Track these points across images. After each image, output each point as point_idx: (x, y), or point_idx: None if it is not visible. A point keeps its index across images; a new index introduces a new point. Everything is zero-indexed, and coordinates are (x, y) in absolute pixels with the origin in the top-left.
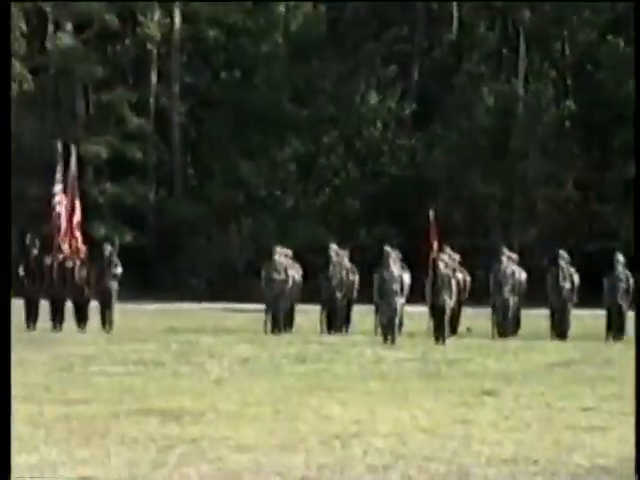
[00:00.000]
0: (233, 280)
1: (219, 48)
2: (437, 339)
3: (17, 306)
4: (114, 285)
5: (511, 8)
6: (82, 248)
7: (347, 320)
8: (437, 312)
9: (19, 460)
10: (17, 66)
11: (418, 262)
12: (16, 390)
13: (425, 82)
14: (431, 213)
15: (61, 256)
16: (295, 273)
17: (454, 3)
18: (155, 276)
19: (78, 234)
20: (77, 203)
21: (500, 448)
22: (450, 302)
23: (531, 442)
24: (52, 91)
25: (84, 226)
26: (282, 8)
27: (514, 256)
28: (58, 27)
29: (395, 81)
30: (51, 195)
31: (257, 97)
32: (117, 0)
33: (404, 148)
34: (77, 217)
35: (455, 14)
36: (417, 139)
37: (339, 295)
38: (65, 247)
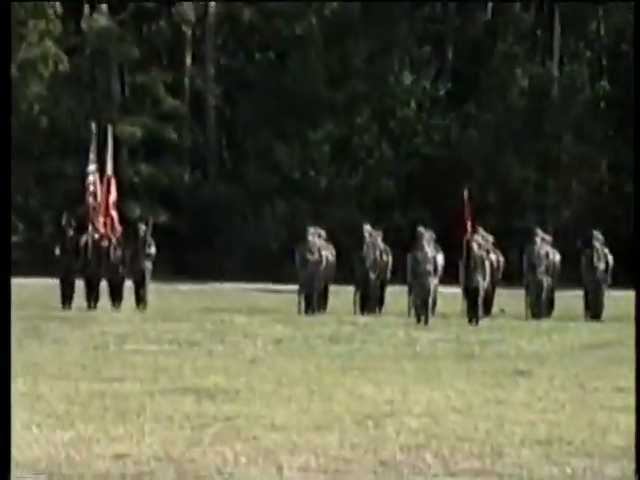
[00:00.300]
0: (267, 261)
1: (254, 30)
2: (470, 320)
3: (53, 285)
4: (148, 265)
5: None
6: (117, 228)
7: (380, 301)
8: (470, 293)
9: (55, 437)
10: (52, 47)
11: (452, 243)
12: (52, 368)
13: (459, 62)
14: (465, 194)
15: (96, 235)
16: (329, 254)
17: None
18: (189, 257)
19: (114, 214)
20: (113, 183)
21: (534, 429)
22: (483, 283)
23: (565, 423)
24: (88, 72)
25: (119, 206)
26: None
27: (548, 237)
28: (93, 8)
29: (429, 61)
30: (86, 175)
31: (291, 79)
32: None
33: (438, 128)
34: (113, 197)
35: None
36: (451, 119)
37: (373, 276)
38: (100, 226)
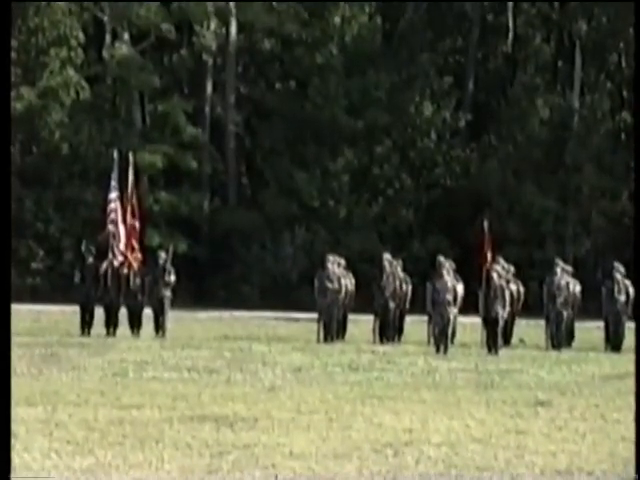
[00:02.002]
0: (286, 289)
1: (274, 59)
2: (490, 350)
3: (72, 312)
4: (167, 293)
5: (567, 20)
6: (138, 256)
7: (400, 330)
8: (490, 323)
9: (73, 463)
10: (74, 75)
11: (472, 273)
12: (71, 395)
13: (480, 93)
14: (485, 224)
15: (116, 263)
16: (348, 282)
17: (509, 15)
18: (209, 285)
19: (135, 242)
20: (136, 211)
21: (554, 459)
22: (503, 313)
23: (586, 453)
24: (109, 100)
25: (140, 234)
26: (338, 19)
27: (568, 268)
28: (115, 37)
29: (450, 92)
30: (106, 202)
31: (311, 108)
32: None
33: (458, 159)
34: (136, 225)
35: (510, 25)
36: (471, 150)
37: (392, 305)
38: (121, 254)
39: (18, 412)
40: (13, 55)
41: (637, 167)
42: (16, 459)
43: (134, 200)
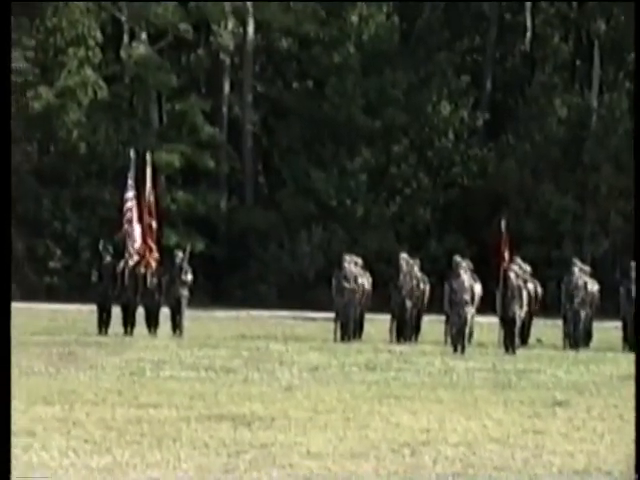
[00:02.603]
0: (303, 288)
1: (292, 58)
2: (507, 349)
3: (90, 311)
4: (185, 292)
5: (585, 19)
6: (155, 255)
7: (417, 329)
8: (508, 323)
9: (91, 462)
10: (92, 74)
11: (489, 272)
12: (88, 394)
13: (498, 93)
14: (502, 223)
15: (133, 262)
16: (365, 282)
17: (527, 14)
18: (226, 284)
19: (153, 241)
20: (153, 211)
21: (572, 459)
22: (521, 313)
23: (603, 453)
24: (126, 99)
25: (157, 233)
26: (355, 18)
27: (586, 268)
28: (133, 36)
29: (467, 91)
30: (123, 202)
31: (329, 107)
32: None
33: (476, 158)
34: (153, 224)
35: (529, 25)
36: (489, 149)
37: (409, 304)
38: (136, 254)
39: (36, 411)
40: (31, 54)
41: (637, 167)
42: (34, 457)
43: (152, 199)
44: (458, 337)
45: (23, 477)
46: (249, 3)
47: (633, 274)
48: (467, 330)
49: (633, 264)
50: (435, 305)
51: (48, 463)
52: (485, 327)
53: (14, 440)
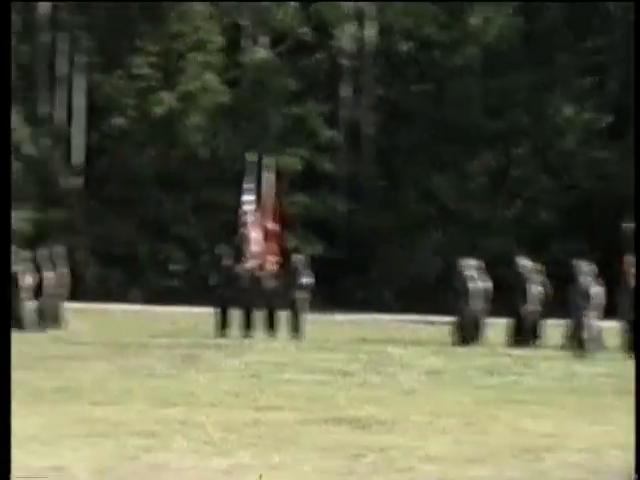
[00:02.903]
0: (424, 292)
1: (411, 60)
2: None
3: (209, 314)
4: (304, 295)
5: None
6: (276, 258)
7: (538, 333)
8: (634, 327)
9: (212, 464)
10: (212, 79)
11: (613, 276)
12: (208, 396)
13: (622, 94)
14: (626, 227)
15: (249, 265)
16: (485, 285)
17: None
18: (345, 287)
19: (274, 244)
20: (277, 214)
21: None
22: None
23: None
24: (247, 104)
25: (279, 236)
26: (476, 20)
27: None
28: (254, 41)
29: (591, 93)
30: (242, 205)
31: (449, 109)
32: None
33: (599, 161)
34: (275, 228)
35: None
36: (612, 151)
37: (529, 308)
38: (255, 257)
39: (158, 412)
40: (154, 60)
41: (637, 166)
42: (157, 458)
43: (274, 203)
44: (580, 342)
45: (23, 477)
46: (371, 6)
47: None
48: (589, 335)
49: None
50: (557, 309)
51: (169, 464)
52: (609, 332)
53: (136, 441)
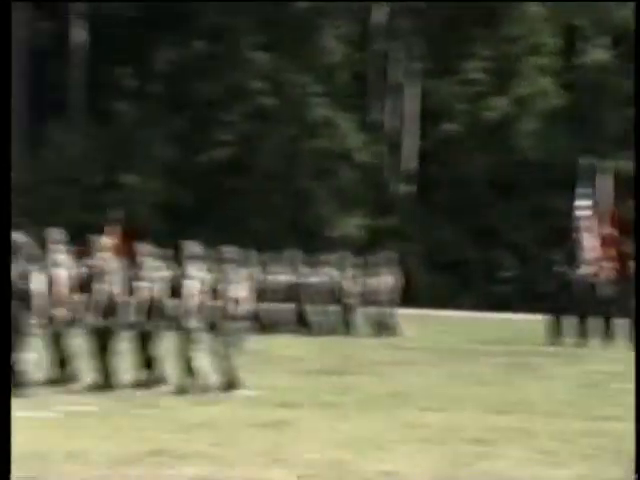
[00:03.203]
0: None
1: None
2: None
3: (538, 321)
4: None
5: None
6: (614, 264)
7: None
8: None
9: (547, 473)
10: (548, 82)
11: None
12: (543, 404)
13: None
14: None
15: (587, 271)
16: None
17: None
18: None
19: (613, 250)
20: (613, 220)
21: None
22: None
23: None
24: (583, 107)
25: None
26: None
27: None
28: (591, 42)
29: None
30: (575, 210)
31: None
32: None
33: None
34: (614, 234)
35: None
36: None
37: None
38: (589, 263)
39: (489, 419)
40: (488, 64)
41: (637, 166)
42: (493, 466)
43: (611, 208)
44: None
45: (23, 477)
46: None
47: None
48: None
49: None
50: None
51: (505, 473)
52: None
53: (469, 448)
